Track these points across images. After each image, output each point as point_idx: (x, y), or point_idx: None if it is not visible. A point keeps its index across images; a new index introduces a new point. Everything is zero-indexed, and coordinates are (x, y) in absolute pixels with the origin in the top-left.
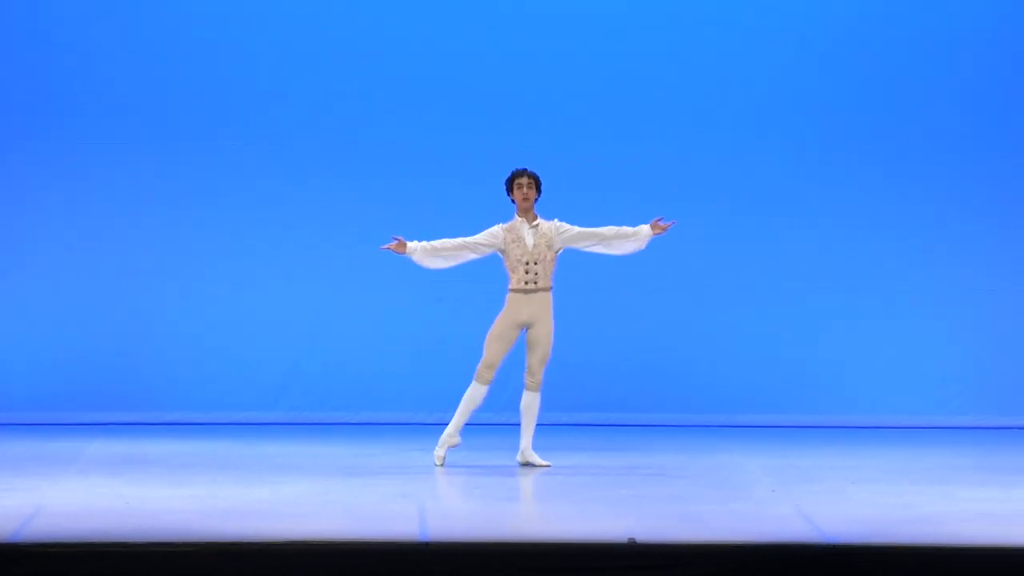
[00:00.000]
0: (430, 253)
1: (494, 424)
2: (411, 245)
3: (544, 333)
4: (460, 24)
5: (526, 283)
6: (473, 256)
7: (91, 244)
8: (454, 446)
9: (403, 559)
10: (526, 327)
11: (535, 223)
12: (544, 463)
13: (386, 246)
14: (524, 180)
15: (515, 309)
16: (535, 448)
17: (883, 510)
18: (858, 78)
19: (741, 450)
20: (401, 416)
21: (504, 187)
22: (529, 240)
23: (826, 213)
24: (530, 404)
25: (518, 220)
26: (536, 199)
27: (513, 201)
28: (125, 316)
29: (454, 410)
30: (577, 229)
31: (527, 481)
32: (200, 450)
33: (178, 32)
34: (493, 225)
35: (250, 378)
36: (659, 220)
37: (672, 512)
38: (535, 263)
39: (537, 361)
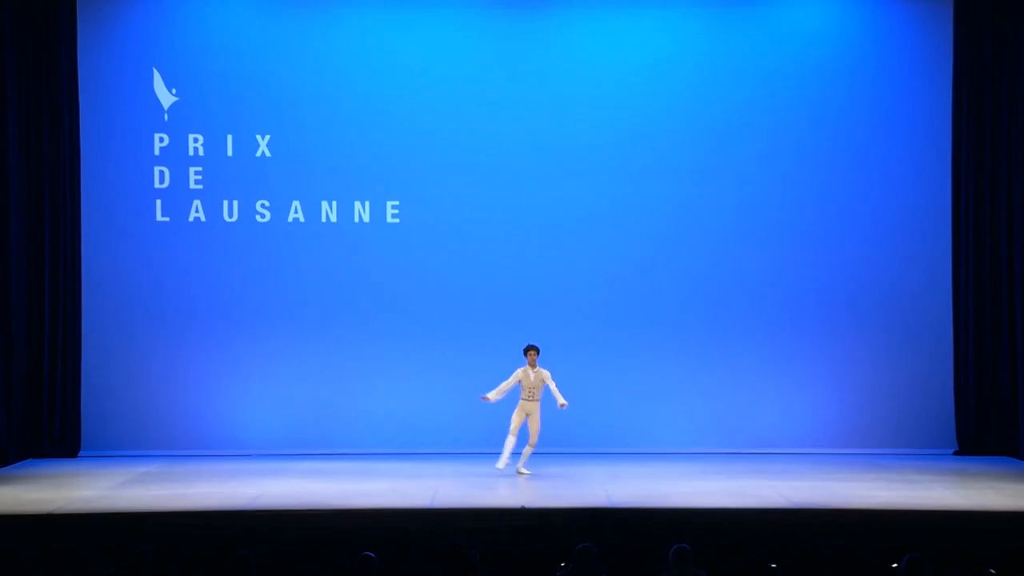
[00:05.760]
0: (501, 395)
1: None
2: (492, 397)
3: (535, 420)
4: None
5: (527, 398)
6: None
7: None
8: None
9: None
10: (527, 416)
11: (535, 369)
12: (527, 471)
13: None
14: (533, 355)
15: (523, 408)
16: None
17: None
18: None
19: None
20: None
21: (522, 351)
22: (532, 378)
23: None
24: (526, 452)
25: (528, 367)
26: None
27: (525, 357)
28: None
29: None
30: (551, 382)
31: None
32: None
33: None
34: (516, 368)
35: None
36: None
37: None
38: (534, 389)
39: (534, 433)
